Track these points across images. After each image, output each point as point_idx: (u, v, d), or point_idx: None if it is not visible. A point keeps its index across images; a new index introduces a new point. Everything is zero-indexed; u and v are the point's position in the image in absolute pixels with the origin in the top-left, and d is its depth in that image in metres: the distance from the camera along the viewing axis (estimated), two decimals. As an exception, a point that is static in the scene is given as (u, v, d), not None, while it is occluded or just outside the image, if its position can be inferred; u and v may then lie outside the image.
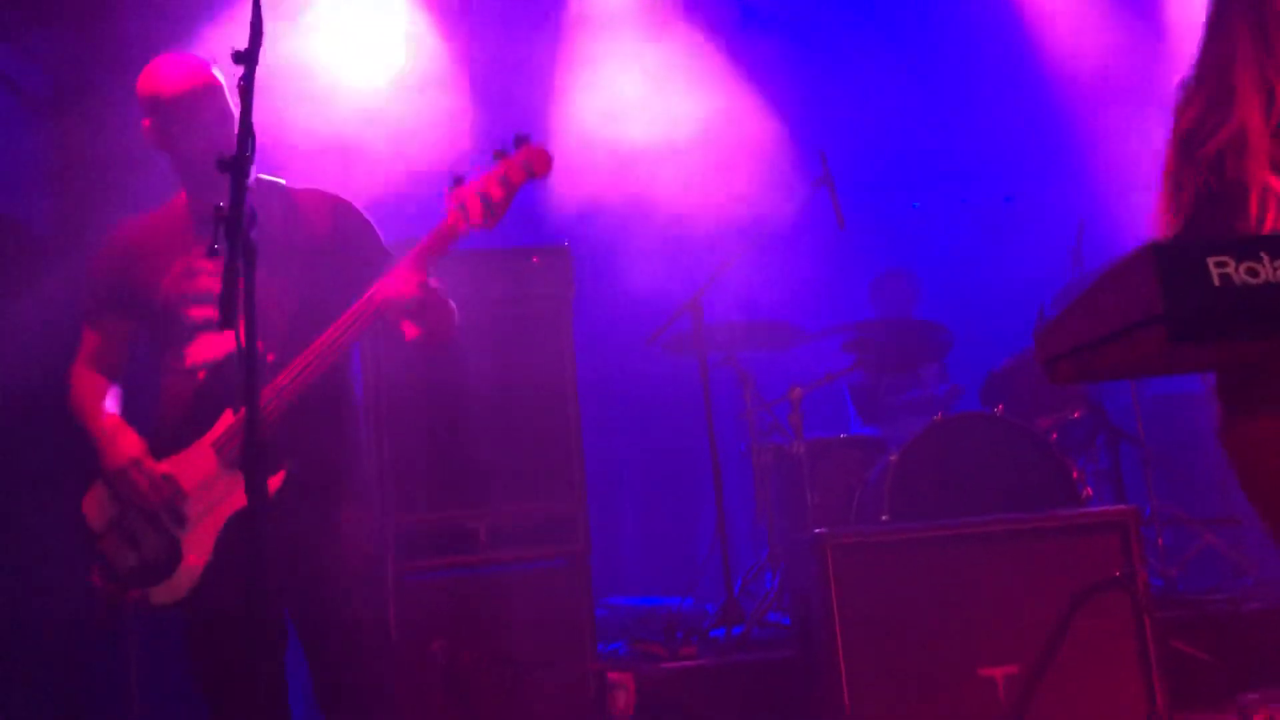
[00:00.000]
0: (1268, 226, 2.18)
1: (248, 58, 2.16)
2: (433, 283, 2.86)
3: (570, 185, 6.11)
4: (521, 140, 2.84)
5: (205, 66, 2.88)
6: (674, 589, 5.96)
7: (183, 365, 2.89)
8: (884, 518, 4.49)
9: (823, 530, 3.84)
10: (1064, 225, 5.85)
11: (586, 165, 6.19)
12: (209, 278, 2.87)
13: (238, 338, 1.93)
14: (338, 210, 3.06)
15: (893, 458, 4.70)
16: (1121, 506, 3.91)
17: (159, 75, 2.85)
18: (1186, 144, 2.33)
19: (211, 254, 2.02)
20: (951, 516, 4.00)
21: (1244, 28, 2.36)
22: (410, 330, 2.94)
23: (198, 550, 2.75)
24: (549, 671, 4.12)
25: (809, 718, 4.03)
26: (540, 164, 2.82)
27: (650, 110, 6.39)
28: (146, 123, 2.89)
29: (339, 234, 3.00)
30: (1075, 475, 4.70)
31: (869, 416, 5.98)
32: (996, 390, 5.45)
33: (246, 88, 2.13)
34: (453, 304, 3.01)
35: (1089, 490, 4.86)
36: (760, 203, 6.00)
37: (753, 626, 4.80)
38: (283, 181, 3.09)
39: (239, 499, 2.64)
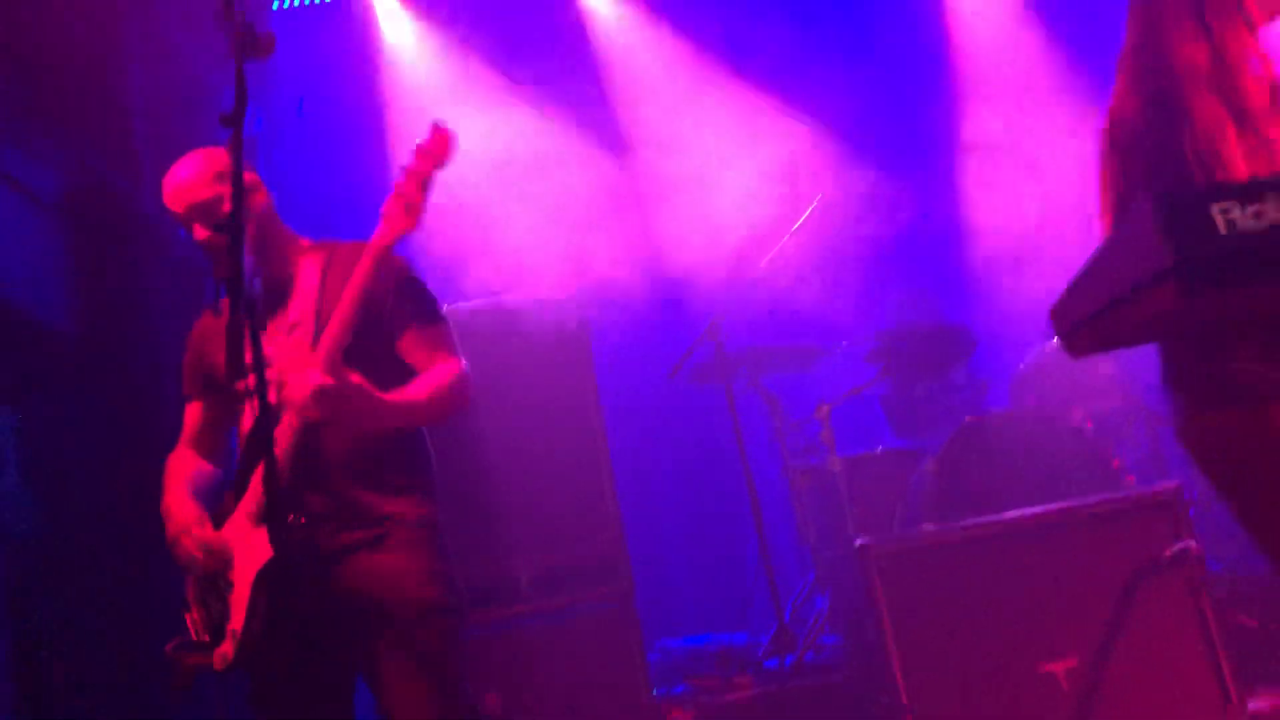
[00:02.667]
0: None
1: (234, 120, 2.18)
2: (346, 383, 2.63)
3: (582, 226, 6.13)
4: (427, 130, 2.73)
5: (214, 157, 2.82)
6: (726, 623, 5.89)
7: (243, 435, 2.93)
8: (927, 527, 4.42)
9: (865, 541, 3.79)
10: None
11: (598, 203, 6.24)
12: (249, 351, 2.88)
13: (248, 393, 1.92)
14: (389, 263, 2.87)
15: (929, 466, 4.64)
16: (1165, 485, 3.82)
17: (172, 182, 2.84)
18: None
19: (216, 313, 2.03)
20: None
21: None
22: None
23: (235, 613, 2.74)
24: (607, 715, 4.07)
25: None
26: (440, 148, 2.70)
27: (663, 143, 6.46)
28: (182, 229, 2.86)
29: (388, 287, 2.87)
30: (1115, 465, 4.63)
31: (903, 428, 5.91)
32: (1026, 387, 5.39)
33: (235, 149, 2.15)
34: (373, 404, 2.71)
35: (1131, 478, 4.77)
36: (773, 224, 5.96)
37: (806, 651, 4.73)
38: (333, 241, 3.01)
39: (262, 554, 2.64)
